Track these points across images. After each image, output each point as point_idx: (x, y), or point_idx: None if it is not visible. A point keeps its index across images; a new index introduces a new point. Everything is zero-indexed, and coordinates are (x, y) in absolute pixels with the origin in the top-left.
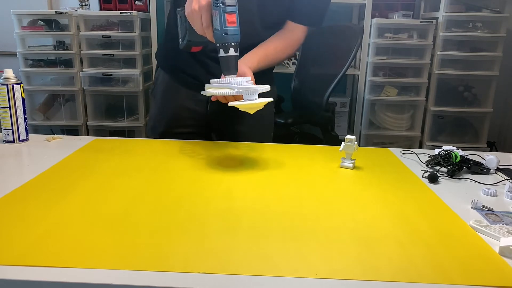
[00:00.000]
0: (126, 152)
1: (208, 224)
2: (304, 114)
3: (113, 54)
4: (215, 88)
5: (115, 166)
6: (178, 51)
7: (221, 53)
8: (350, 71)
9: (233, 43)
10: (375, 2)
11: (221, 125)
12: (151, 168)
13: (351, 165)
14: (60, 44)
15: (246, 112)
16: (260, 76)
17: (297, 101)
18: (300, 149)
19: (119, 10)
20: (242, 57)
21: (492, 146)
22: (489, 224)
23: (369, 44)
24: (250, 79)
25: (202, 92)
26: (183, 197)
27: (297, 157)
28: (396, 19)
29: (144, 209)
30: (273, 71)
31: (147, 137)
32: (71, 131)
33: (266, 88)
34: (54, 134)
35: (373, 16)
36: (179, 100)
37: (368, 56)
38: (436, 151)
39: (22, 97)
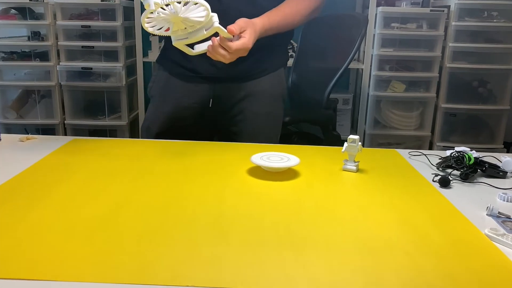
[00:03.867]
0: (108, 154)
1: (198, 231)
2: (302, 112)
3: (93, 46)
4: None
5: (95, 169)
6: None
7: None
8: (353, 65)
9: None
10: None
11: (224, 124)
12: (135, 171)
13: (354, 167)
14: (35, 35)
15: (251, 112)
16: (271, 49)
17: (295, 98)
18: (299, 150)
19: None
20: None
21: (510, 147)
22: (506, 233)
23: (374, 35)
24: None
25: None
26: (171, 202)
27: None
28: (404, 7)
29: (127, 215)
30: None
31: (141, 138)
32: (47, 130)
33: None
34: (28, 133)
35: (378, 4)
36: (178, 97)
37: (373, 48)
38: (448, 153)
39: None
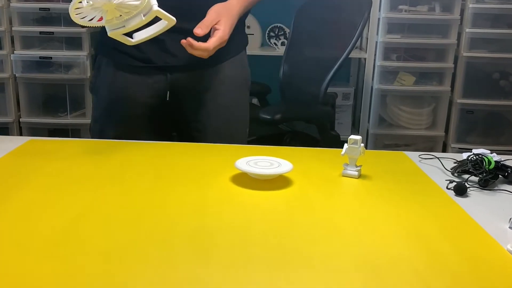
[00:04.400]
0: (70, 157)
1: (175, 248)
2: (295, 109)
3: (52, 32)
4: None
5: (55, 175)
6: None
7: None
8: (354, 54)
9: None
10: None
11: (185, 120)
12: (102, 177)
13: (356, 173)
14: None
15: (215, 103)
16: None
17: (287, 92)
18: (291, 154)
19: None
20: None
21: None
22: None
23: (379, 19)
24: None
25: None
26: (143, 214)
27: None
28: None
29: (93, 229)
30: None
31: None
32: (0, 129)
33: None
34: None
35: None
36: (130, 94)
37: (377, 34)
38: (465, 156)
39: None
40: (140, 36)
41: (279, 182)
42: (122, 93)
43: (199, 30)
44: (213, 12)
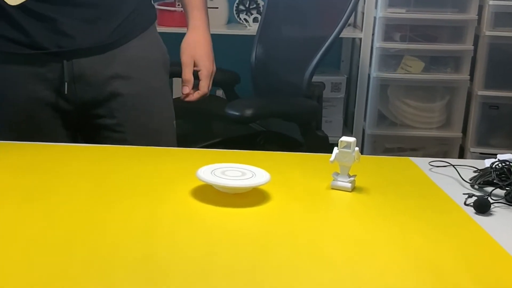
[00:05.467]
0: None
1: (116, 281)
2: (272, 102)
3: None
4: None
5: None
6: None
7: None
8: (346, 33)
9: None
10: None
11: (91, 117)
12: (26, 189)
13: (348, 184)
14: None
15: (129, 92)
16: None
17: (261, 82)
18: (267, 160)
19: None
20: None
21: None
22: None
23: None
24: None
25: None
26: (75, 237)
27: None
28: None
29: (14, 254)
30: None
31: None
32: None
33: None
34: None
35: None
36: (20, 90)
37: (376, 8)
38: (488, 163)
39: None
40: None
41: (252, 196)
42: (11, 90)
43: (186, 89)
44: (185, 58)
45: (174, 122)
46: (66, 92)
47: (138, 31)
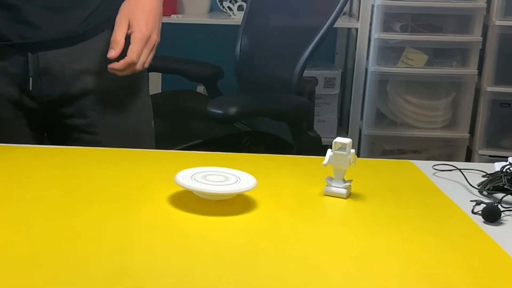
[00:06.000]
0: None
1: None
2: (259, 100)
3: None
4: None
5: None
6: None
7: None
8: (341, 23)
9: None
10: None
11: (60, 116)
12: None
13: (343, 190)
14: None
15: (103, 88)
16: None
17: (247, 77)
18: (254, 162)
19: None
20: None
21: None
22: None
23: None
24: None
25: None
26: (42, 248)
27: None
28: None
29: None
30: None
31: None
32: None
33: None
34: None
35: None
36: None
37: None
38: (498, 167)
39: None
40: None
41: (236, 204)
42: None
43: (112, 52)
44: (119, 17)
45: (152, 122)
46: (31, 88)
47: (110, 22)
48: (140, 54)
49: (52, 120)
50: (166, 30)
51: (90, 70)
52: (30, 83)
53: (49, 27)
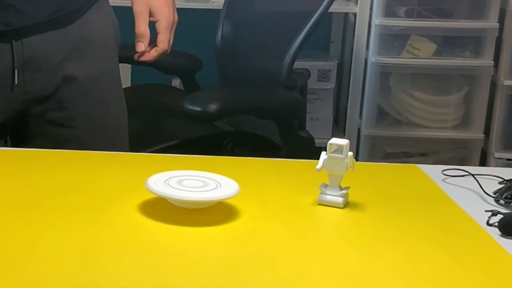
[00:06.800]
0: None
1: None
2: (243, 95)
3: None
4: None
5: None
6: None
7: None
8: (337, 7)
9: None
10: None
11: (40, 108)
12: None
13: (340, 199)
14: None
15: (84, 76)
16: None
17: (229, 69)
18: (237, 166)
19: None
20: None
21: None
22: None
23: None
24: None
25: None
26: None
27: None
28: None
29: None
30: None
31: None
32: None
33: None
34: None
35: None
36: None
37: None
38: None
39: None
40: None
41: (217, 213)
42: None
43: (141, 46)
44: (138, 7)
45: (126, 115)
46: (16, 82)
47: (92, 1)
48: (170, 41)
49: (20, 115)
50: None
51: (73, 56)
52: (16, 76)
53: (32, 10)
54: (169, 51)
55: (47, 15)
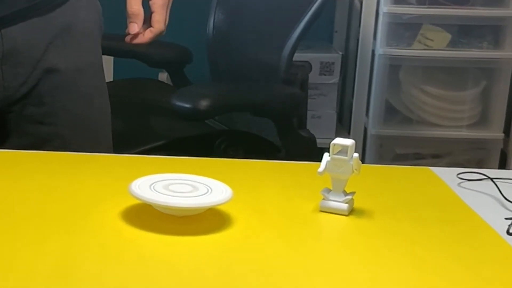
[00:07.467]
0: None
1: None
2: (237, 90)
3: None
4: None
5: None
6: None
7: None
8: None
9: None
10: None
11: (19, 103)
12: None
13: (345, 205)
14: None
15: (66, 67)
16: None
17: (221, 61)
18: (230, 169)
19: None
20: None
21: None
22: None
23: None
24: None
25: None
26: None
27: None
28: None
29: None
30: None
31: None
32: None
33: None
34: None
35: None
36: None
37: None
38: None
39: None
40: None
41: (207, 220)
42: None
43: (134, 27)
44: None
45: (109, 110)
46: (3, 79)
47: None
48: (166, 21)
49: (7, 107)
50: (121, 2)
51: (55, 45)
52: (1, 72)
53: None
54: (165, 32)
55: (29, 0)
